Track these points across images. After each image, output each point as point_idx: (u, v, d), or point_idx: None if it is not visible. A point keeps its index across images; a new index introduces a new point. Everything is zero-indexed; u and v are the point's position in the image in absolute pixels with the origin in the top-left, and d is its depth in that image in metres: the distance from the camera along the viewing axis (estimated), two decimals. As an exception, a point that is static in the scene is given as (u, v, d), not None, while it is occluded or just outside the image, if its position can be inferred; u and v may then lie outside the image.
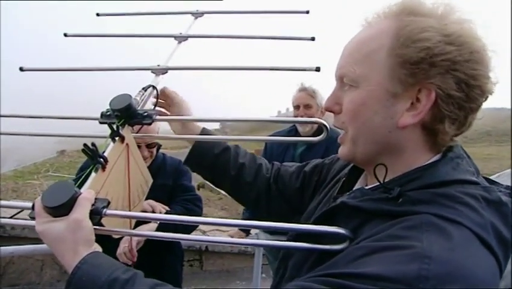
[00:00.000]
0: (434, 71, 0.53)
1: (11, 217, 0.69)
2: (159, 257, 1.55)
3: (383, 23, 0.58)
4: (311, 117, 2.08)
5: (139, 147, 1.38)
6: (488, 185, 0.56)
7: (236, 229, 2.39)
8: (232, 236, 2.39)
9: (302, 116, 2.11)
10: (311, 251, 0.60)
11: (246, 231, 2.35)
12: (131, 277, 0.53)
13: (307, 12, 1.19)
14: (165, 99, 0.91)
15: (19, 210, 0.63)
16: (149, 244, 1.48)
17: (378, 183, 0.57)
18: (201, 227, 3.28)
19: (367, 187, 0.62)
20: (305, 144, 2.23)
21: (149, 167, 1.49)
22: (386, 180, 0.57)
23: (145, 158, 1.52)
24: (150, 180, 0.91)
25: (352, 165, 0.72)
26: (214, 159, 0.89)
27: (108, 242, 0.62)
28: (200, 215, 1.74)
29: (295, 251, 0.67)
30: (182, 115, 0.89)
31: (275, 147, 2.30)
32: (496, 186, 0.57)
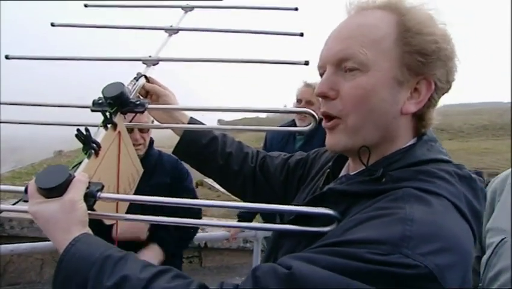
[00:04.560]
0: (438, 64, 0.59)
1: (14, 204, 0.68)
2: None
3: (378, 12, 0.61)
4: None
5: (131, 130, 1.38)
6: (459, 163, 0.61)
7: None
8: (229, 232, 2.40)
9: None
10: (301, 240, 0.62)
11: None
12: (124, 255, 0.55)
13: (296, 9, 1.23)
14: (150, 94, 0.90)
15: (18, 199, 0.62)
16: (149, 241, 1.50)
17: (362, 169, 0.61)
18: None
19: (351, 173, 0.65)
20: (303, 138, 2.29)
21: (145, 164, 1.49)
22: (373, 164, 0.60)
23: (137, 142, 1.52)
24: (141, 170, 0.92)
25: (336, 157, 0.74)
26: (202, 149, 0.90)
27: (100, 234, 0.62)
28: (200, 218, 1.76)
29: (285, 241, 0.68)
30: (167, 102, 0.89)
31: (275, 142, 2.35)
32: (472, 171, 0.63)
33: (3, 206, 0.63)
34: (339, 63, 0.60)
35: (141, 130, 1.55)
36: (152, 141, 1.66)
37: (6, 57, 0.99)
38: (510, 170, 1.02)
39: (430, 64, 0.58)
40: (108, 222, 0.75)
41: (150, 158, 1.63)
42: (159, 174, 1.61)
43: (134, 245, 1.47)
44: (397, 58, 0.58)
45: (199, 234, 2.76)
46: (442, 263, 0.45)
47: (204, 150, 0.91)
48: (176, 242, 1.61)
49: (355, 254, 0.45)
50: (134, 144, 1.40)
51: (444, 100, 0.64)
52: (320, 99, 0.64)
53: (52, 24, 1.13)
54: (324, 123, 0.64)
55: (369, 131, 0.60)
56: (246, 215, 2.25)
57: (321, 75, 0.65)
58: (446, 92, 0.62)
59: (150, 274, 0.51)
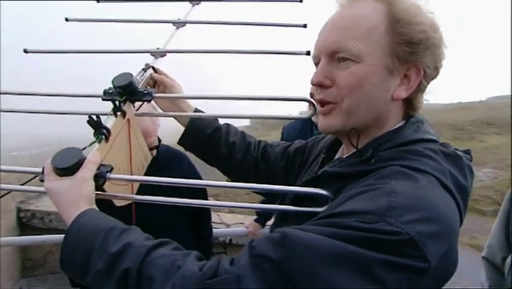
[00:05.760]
0: (427, 52, 0.62)
1: (23, 184, 0.74)
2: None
3: (369, 2, 0.64)
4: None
5: None
6: (445, 142, 0.64)
7: (252, 221, 2.47)
8: (247, 228, 2.46)
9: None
10: (300, 224, 0.66)
11: (262, 223, 2.41)
12: (128, 228, 0.60)
13: (300, 1, 1.25)
14: (157, 84, 0.94)
15: (32, 176, 0.68)
16: (178, 239, 1.52)
17: (353, 152, 0.64)
18: (225, 220, 3.38)
19: (344, 156, 0.69)
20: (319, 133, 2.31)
21: (152, 164, 1.50)
22: (361, 146, 0.64)
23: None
24: (150, 157, 0.97)
25: (330, 142, 0.78)
26: (206, 139, 0.94)
27: None
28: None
29: (285, 225, 0.72)
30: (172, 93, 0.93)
31: (292, 135, 2.38)
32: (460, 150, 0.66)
33: (14, 186, 0.69)
34: (333, 54, 0.63)
35: (150, 149, 1.45)
36: (159, 140, 1.63)
37: (25, 51, 1.06)
38: None
39: (418, 53, 0.61)
40: (118, 203, 0.80)
41: (159, 159, 1.57)
42: (170, 175, 1.57)
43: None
44: (387, 48, 0.61)
45: (222, 230, 2.84)
46: (423, 231, 0.47)
47: (208, 140, 0.94)
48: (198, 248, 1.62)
49: (342, 223, 0.49)
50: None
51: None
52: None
53: (66, 19, 1.20)
54: (319, 109, 0.67)
55: (361, 115, 0.63)
56: (265, 213, 2.30)
57: (316, 64, 0.68)
58: (434, 78, 0.65)
59: (153, 243, 0.56)
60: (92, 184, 0.64)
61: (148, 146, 1.48)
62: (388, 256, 0.46)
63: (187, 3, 1.28)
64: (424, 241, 0.47)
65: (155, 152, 1.56)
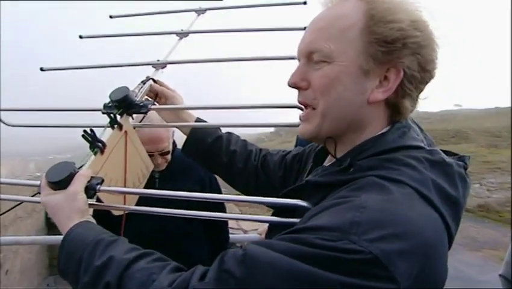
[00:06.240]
0: (405, 52, 0.57)
1: (32, 196, 0.80)
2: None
3: (349, 2, 0.61)
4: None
5: (152, 155, 1.41)
6: (432, 148, 0.59)
7: (265, 227, 2.47)
8: (260, 234, 2.46)
9: None
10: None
11: None
12: (115, 239, 0.61)
13: (304, 3, 1.23)
14: (158, 96, 0.96)
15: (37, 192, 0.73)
16: (194, 245, 1.56)
17: (335, 160, 0.62)
18: (243, 226, 3.41)
19: (327, 164, 0.66)
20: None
21: (170, 169, 1.55)
22: (344, 154, 0.61)
23: (159, 165, 1.52)
24: (151, 166, 1.00)
25: (319, 149, 0.75)
26: (207, 147, 0.95)
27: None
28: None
29: (272, 236, 0.71)
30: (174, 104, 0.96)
31: (304, 141, 2.34)
32: (455, 156, 0.62)
33: (23, 198, 0.74)
34: (309, 55, 0.62)
35: (162, 154, 1.53)
36: (174, 145, 1.64)
37: (41, 69, 1.13)
38: None
39: (394, 52, 0.57)
40: (116, 213, 0.84)
41: (175, 163, 1.59)
42: (187, 180, 1.58)
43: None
44: (361, 48, 0.57)
45: (239, 235, 2.86)
46: (391, 249, 0.44)
47: (209, 148, 0.95)
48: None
49: (306, 239, 0.47)
50: (156, 166, 1.44)
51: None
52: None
53: (80, 37, 1.27)
54: (300, 114, 0.66)
55: (336, 119, 0.60)
56: None
57: None
58: (423, 82, 0.60)
59: (133, 256, 0.57)
60: (84, 197, 0.67)
61: (161, 151, 1.52)
62: (348, 278, 0.43)
63: (193, 13, 1.32)
64: (392, 260, 0.44)
65: (169, 156, 1.58)
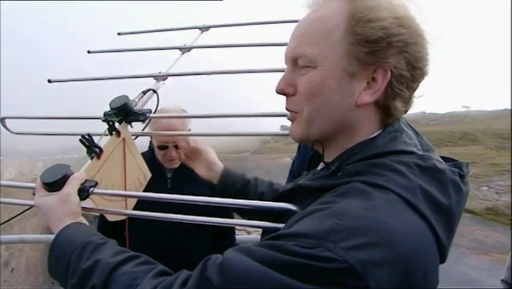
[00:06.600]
0: (391, 51, 0.55)
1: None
2: None
3: (333, 3, 0.60)
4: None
5: (166, 147, 1.41)
6: (425, 154, 0.57)
7: None
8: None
9: None
10: None
11: None
12: (104, 242, 0.62)
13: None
14: (192, 154, 1.00)
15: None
16: (201, 246, 1.54)
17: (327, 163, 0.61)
18: (246, 227, 3.39)
19: (318, 168, 0.66)
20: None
21: (181, 172, 1.55)
22: (334, 158, 0.60)
23: (173, 159, 1.48)
24: (149, 175, 1.01)
25: (312, 154, 0.75)
26: (236, 192, 0.95)
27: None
28: None
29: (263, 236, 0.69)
30: (208, 159, 0.99)
31: (308, 150, 2.33)
32: (451, 162, 0.59)
33: (16, 200, 0.76)
34: (294, 61, 0.61)
35: (176, 147, 1.50)
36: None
37: (49, 81, 1.18)
38: None
39: (378, 52, 0.55)
40: (110, 218, 0.84)
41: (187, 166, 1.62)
42: (198, 184, 1.60)
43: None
44: (344, 49, 0.56)
45: (240, 236, 2.81)
46: (367, 258, 0.42)
47: (239, 193, 0.95)
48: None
49: (283, 246, 0.45)
50: (169, 160, 1.46)
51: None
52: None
53: (88, 52, 1.32)
54: (288, 115, 0.65)
55: (323, 124, 0.59)
56: None
57: None
58: (414, 80, 0.58)
59: (119, 259, 0.57)
60: (76, 198, 0.68)
61: (175, 142, 1.43)
62: (321, 287, 0.42)
63: (197, 30, 1.36)
64: (369, 270, 0.42)
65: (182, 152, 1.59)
